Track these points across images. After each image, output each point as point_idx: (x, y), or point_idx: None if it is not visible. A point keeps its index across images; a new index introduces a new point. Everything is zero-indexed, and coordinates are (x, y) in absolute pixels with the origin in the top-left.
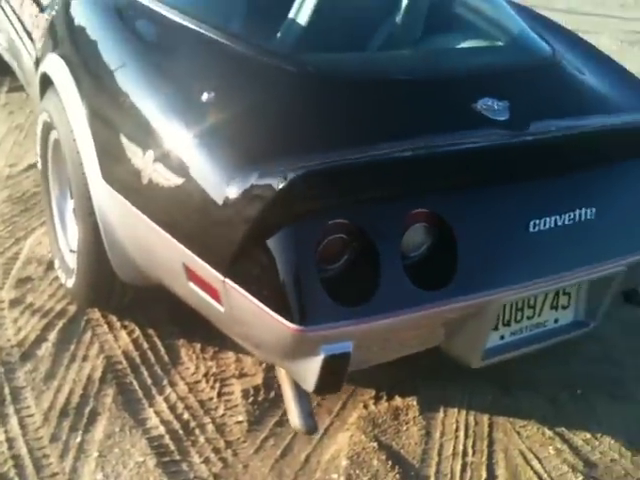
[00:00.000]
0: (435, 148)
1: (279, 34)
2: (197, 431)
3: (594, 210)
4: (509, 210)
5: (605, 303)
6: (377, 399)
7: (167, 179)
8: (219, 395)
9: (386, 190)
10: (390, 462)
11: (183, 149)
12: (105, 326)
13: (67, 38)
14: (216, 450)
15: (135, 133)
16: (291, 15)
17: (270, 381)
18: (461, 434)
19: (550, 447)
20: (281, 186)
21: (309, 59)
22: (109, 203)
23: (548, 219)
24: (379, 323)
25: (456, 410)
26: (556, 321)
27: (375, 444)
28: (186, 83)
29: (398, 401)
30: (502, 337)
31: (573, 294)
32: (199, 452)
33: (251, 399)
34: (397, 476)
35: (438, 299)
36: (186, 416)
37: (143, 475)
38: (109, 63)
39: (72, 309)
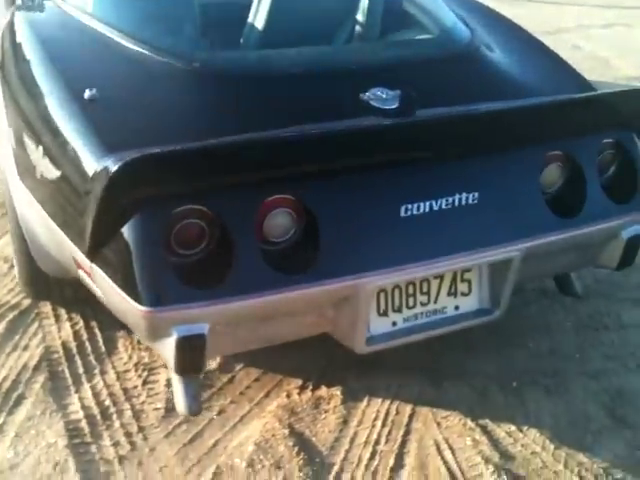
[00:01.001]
0: (300, 135)
1: (178, 34)
2: (114, 416)
3: (477, 196)
4: (379, 195)
5: (507, 291)
6: (302, 389)
7: (52, 174)
8: (144, 383)
9: (242, 176)
10: (297, 448)
11: (60, 145)
12: (52, 318)
13: (1, 50)
14: (128, 434)
15: (34, 133)
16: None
17: None
18: (378, 423)
19: (468, 438)
20: (113, 170)
21: (196, 56)
22: (24, 201)
23: (422, 204)
24: (233, 305)
25: (380, 400)
26: (457, 308)
27: (287, 431)
28: (76, 82)
29: (323, 391)
30: (394, 323)
31: (474, 281)
32: (111, 436)
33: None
34: (300, 462)
35: (298, 283)
36: (107, 402)
37: (51, 454)
38: (22, 69)
39: (26, 302)
